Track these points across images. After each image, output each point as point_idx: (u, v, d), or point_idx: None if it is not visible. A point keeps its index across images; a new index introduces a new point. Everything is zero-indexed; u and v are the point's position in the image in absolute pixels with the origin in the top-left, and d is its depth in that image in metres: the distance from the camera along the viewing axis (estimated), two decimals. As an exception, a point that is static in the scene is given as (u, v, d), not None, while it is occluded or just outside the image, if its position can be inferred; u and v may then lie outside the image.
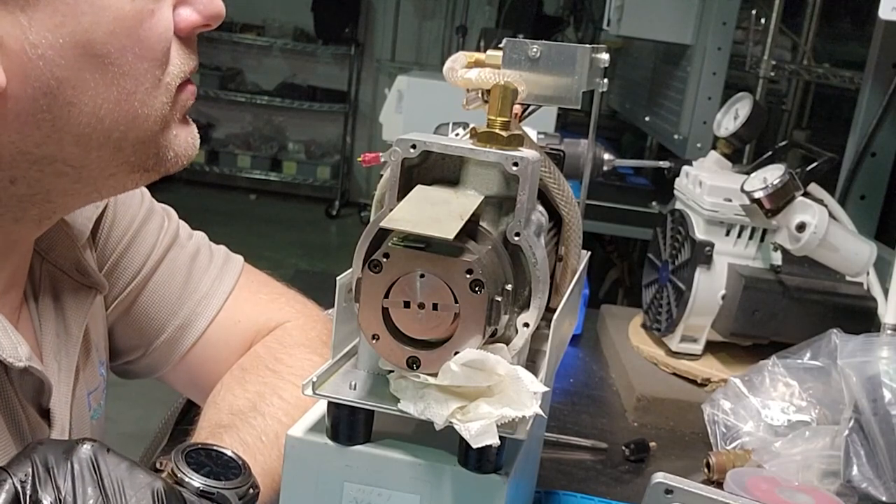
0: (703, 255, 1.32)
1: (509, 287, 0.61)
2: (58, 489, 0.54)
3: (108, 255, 0.88)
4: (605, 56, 0.74)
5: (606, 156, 1.31)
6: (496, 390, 0.58)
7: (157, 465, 0.65)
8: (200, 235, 0.99)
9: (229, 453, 0.67)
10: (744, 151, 1.95)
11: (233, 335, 0.92)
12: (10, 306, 0.75)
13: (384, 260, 0.58)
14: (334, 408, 0.62)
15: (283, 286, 1.00)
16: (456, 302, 0.57)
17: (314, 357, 0.90)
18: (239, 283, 0.95)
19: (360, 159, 0.77)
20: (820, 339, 1.14)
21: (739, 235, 1.34)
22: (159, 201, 1.00)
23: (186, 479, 0.62)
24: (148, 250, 0.90)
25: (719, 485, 1.03)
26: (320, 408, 0.66)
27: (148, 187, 0.92)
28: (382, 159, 0.70)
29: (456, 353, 0.58)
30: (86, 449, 0.56)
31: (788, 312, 1.31)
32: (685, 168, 1.44)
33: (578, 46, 0.69)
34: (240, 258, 0.99)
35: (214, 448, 0.67)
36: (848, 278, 1.34)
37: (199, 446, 0.66)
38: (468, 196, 0.62)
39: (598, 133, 0.99)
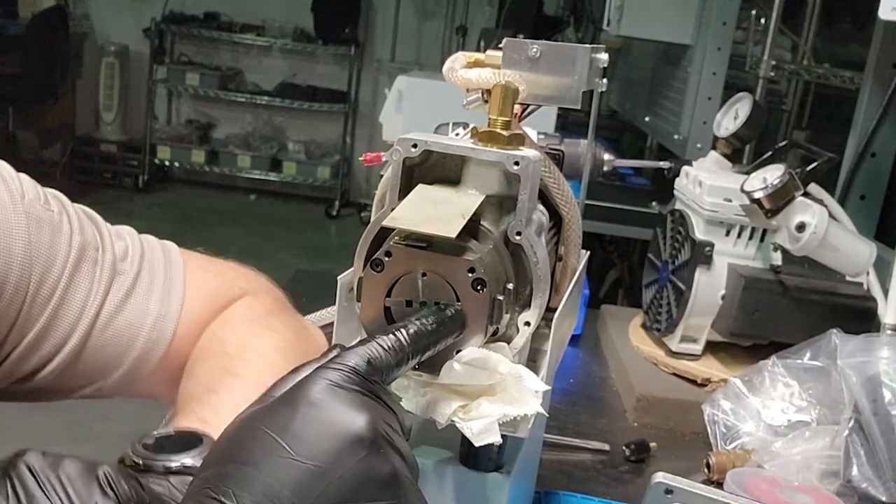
0: (703, 255, 1.32)
1: (510, 286, 0.61)
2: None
3: (33, 322, 0.81)
4: (604, 56, 0.74)
5: (606, 156, 1.31)
6: (498, 389, 0.58)
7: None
8: (130, 241, 0.91)
9: (185, 430, 0.63)
10: (744, 151, 1.95)
11: (195, 335, 0.89)
12: None
13: (386, 259, 0.58)
14: (336, 407, 0.62)
15: (222, 262, 0.94)
16: (458, 300, 0.58)
17: (260, 330, 0.89)
18: (186, 283, 0.90)
19: (361, 159, 0.77)
20: (820, 339, 1.14)
21: (739, 235, 1.34)
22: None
23: (155, 463, 0.59)
24: (81, 303, 0.83)
25: (719, 485, 1.03)
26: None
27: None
28: (384, 158, 0.70)
29: (458, 351, 0.58)
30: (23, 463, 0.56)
31: (788, 312, 1.31)
32: (685, 168, 1.44)
33: (578, 46, 0.69)
34: (174, 250, 0.93)
35: (168, 433, 0.63)
36: (848, 278, 1.34)
37: (155, 436, 0.62)
38: (469, 195, 0.62)
39: (598, 133, 0.99)
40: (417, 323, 0.55)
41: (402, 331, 0.55)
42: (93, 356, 0.84)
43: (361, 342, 0.54)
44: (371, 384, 0.51)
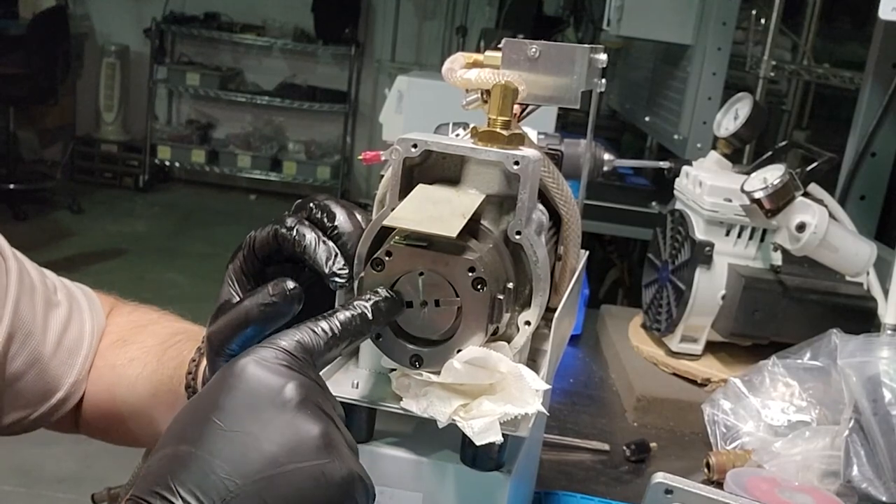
0: (703, 255, 1.32)
1: (511, 285, 0.61)
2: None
3: None
4: (602, 56, 0.74)
5: (606, 156, 1.31)
6: (499, 388, 0.58)
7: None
8: (54, 277, 0.95)
9: None
10: (744, 151, 1.96)
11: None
12: None
13: (387, 258, 0.58)
14: (336, 406, 0.62)
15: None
16: (457, 298, 0.58)
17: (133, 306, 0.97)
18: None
19: (360, 157, 0.77)
20: (820, 339, 1.14)
21: (739, 235, 1.34)
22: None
23: None
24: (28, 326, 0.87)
25: (719, 485, 1.03)
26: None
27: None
28: (383, 158, 0.70)
29: (458, 350, 0.58)
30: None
31: (788, 312, 1.31)
32: (685, 168, 1.44)
33: (577, 46, 0.69)
34: (41, 276, 0.94)
35: None
36: (848, 278, 1.34)
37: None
38: (469, 195, 0.62)
39: (598, 133, 0.99)
40: (350, 311, 0.56)
41: (334, 318, 0.56)
42: (36, 379, 0.86)
43: (294, 327, 0.55)
44: (300, 360, 0.53)
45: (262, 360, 0.52)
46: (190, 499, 0.48)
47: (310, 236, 0.65)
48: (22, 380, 0.85)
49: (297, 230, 0.65)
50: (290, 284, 0.62)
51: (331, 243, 0.64)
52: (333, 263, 0.63)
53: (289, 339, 0.54)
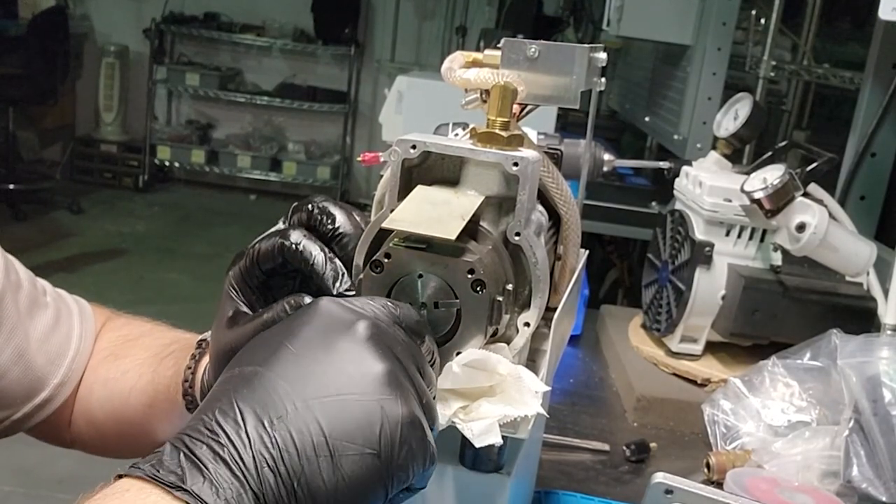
0: (702, 255, 1.32)
1: (510, 287, 0.61)
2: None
3: None
4: (602, 55, 0.74)
5: (606, 156, 1.31)
6: (498, 390, 0.58)
7: None
8: (45, 283, 0.94)
9: None
10: (744, 152, 1.95)
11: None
12: None
13: (385, 260, 0.58)
14: (336, 408, 0.62)
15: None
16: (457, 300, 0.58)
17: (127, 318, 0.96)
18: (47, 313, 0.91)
19: (359, 159, 0.77)
20: (820, 340, 1.14)
21: (739, 235, 1.34)
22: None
23: None
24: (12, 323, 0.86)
25: (719, 485, 1.03)
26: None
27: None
28: (382, 159, 0.70)
29: (458, 353, 0.58)
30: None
31: (788, 312, 1.31)
32: (685, 168, 1.44)
33: (576, 46, 0.69)
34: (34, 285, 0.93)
35: None
36: (848, 278, 1.34)
37: None
38: (469, 196, 0.62)
39: (598, 133, 0.99)
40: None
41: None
42: (20, 376, 0.85)
43: None
44: (380, 309, 0.55)
45: (341, 299, 0.55)
46: (248, 415, 0.49)
47: (317, 255, 0.64)
48: (6, 376, 0.84)
49: (303, 246, 0.64)
50: (307, 301, 0.61)
51: (338, 262, 0.64)
52: (341, 285, 0.63)
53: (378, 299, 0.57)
